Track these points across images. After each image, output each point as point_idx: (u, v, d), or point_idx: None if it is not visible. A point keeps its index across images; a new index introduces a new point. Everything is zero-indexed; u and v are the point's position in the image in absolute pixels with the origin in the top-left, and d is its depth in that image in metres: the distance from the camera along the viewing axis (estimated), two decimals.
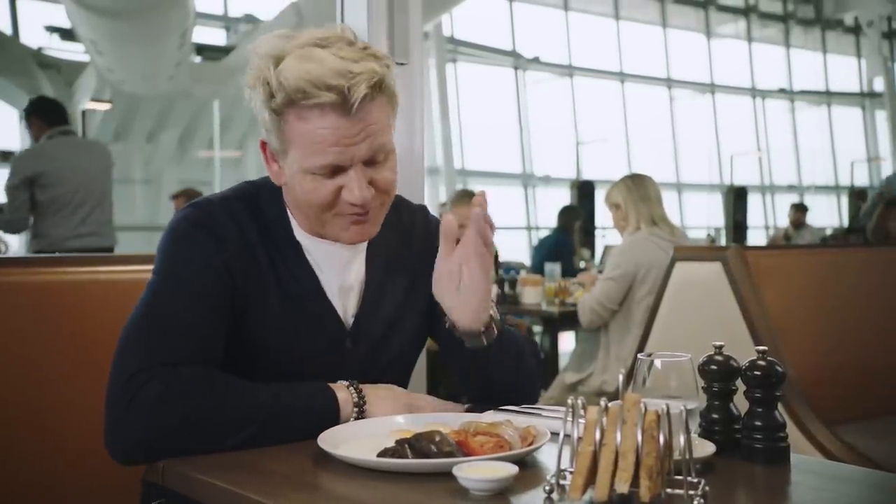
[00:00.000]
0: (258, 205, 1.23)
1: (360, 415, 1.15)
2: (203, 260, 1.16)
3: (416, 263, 1.32)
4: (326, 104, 1.10)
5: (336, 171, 1.14)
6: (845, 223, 12.60)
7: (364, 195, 1.14)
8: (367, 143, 1.13)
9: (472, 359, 1.24)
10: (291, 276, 1.21)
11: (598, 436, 0.84)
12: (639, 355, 1.06)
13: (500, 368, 1.25)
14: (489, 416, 1.13)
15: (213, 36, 11.61)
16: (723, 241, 9.94)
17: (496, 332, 1.23)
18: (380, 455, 0.97)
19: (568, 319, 3.95)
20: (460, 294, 1.18)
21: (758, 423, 1.02)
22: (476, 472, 0.88)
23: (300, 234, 1.23)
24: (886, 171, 17.25)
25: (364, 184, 1.15)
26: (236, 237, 1.19)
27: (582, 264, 5.99)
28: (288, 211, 1.24)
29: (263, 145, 1.20)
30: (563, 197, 10.21)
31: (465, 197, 4.40)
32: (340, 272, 1.25)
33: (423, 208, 1.42)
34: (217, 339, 1.16)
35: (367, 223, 1.19)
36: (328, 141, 1.12)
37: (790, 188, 16.01)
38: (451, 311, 1.21)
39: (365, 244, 1.28)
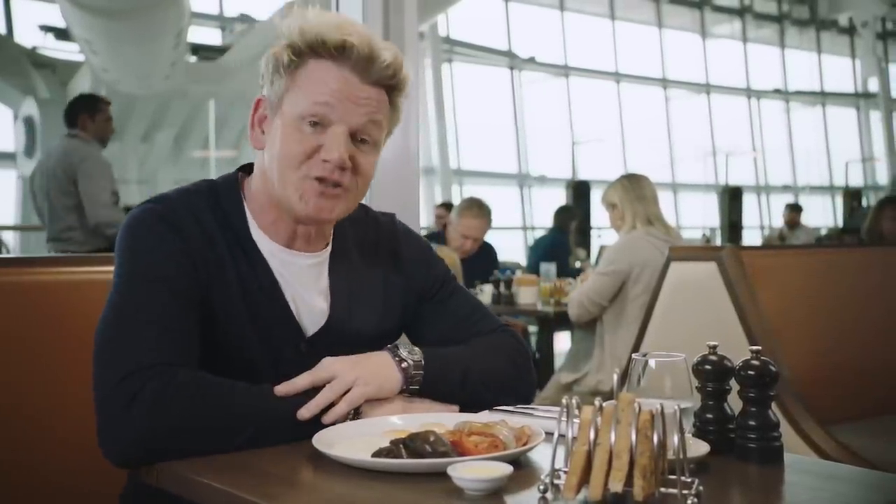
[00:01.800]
0: (217, 201, 1.22)
1: (356, 416, 1.15)
2: (165, 251, 1.15)
3: (382, 274, 1.31)
4: (352, 59, 1.15)
5: (325, 124, 1.16)
6: (840, 223, 12.64)
7: (342, 155, 1.15)
8: (364, 110, 1.17)
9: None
10: (249, 271, 1.21)
11: (592, 435, 0.85)
12: (633, 355, 1.06)
13: (451, 393, 1.22)
14: (484, 416, 1.13)
15: (208, 35, 11.60)
16: (718, 241, 9.96)
17: (420, 370, 1.19)
18: (375, 455, 0.97)
19: (564, 319, 3.96)
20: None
21: (752, 423, 1.02)
22: (471, 472, 0.88)
23: (257, 234, 1.23)
24: (881, 171, 17.33)
25: (344, 147, 1.16)
26: (195, 229, 1.18)
27: (578, 264, 5.98)
28: (246, 210, 1.23)
29: (258, 104, 1.22)
30: (559, 197, 10.22)
31: (474, 206, 4.28)
32: (298, 277, 1.24)
33: (391, 217, 1.39)
34: (194, 333, 1.15)
35: (333, 199, 1.18)
36: (334, 87, 1.16)
37: (785, 188, 16.05)
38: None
39: (327, 257, 1.27)
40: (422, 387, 1.19)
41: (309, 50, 1.16)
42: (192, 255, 1.17)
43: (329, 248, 1.28)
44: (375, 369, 1.16)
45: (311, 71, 1.17)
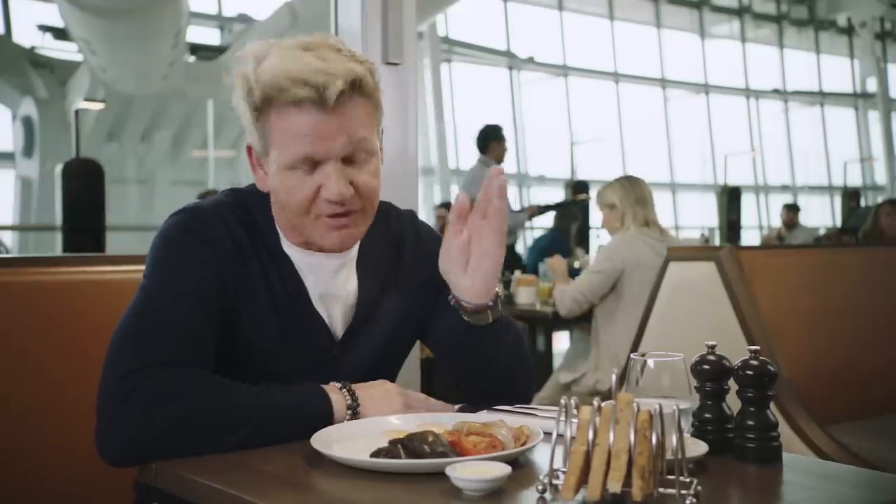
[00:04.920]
0: (248, 211, 1.24)
1: (354, 416, 1.15)
2: (194, 263, 1.17)
3: (407, 271, 1.32)
4: (304, 100, 1.12)
5: (314, 165, 1.15)
6: (838, 223, 12.64)
7: (342, 191, 1.15)
8: (344, 137, 1.15)
9: (474, 342, 1.23)
10: (280, 283, 1.22)
11: (591, 435, 0.85)
12: (632, 355, 1.06)
13: (501, 347, 1.24)
14: (482, 416, 1.13)
15: (207, 35, 11.59)
16: (717, 241, 9.95)
17: (499, 307, 1.22)
18: (373, 455, 0.97)
19: (562, 319, 3.95)
20: (470, 270, 1.17)
21: (750, 423, 1.02)
22: (469, 472, 0.88)
23: (287, 245, 1.24)
24: (878, 171, 17.34)
25: (342, 180, 1.15)
26: (227, 241, 1.19)
27: (577, 264, 5.97)
28: (276, 220, 1.24)
29: (249, 150, 1.23)
30: (558, 197, 10.21)
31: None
32: (328, 281, 1.25)
33: (412, 214, 1.40)
34: (208, 342, 1.15)
35: (349, 228, 1.19)
36: (304, 132, 1.14)
37: (784, 188, 16.05)
38: (461, 289, 1.19)
39: (355, 255, 1.28)
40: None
41: (265, 104, 1.15)
42: (220, 268, 1.17)
43: (357, 246, 1.29)
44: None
45: (276, 122, 1.15)
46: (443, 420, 1.09)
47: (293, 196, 1.16)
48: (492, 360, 1.25)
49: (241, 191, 1.27)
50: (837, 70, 17.42)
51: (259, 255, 1.21)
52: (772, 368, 1.03)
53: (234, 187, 1.29)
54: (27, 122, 9.88)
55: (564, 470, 0.86)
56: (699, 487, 0.85)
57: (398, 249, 1.33)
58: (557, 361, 4.22)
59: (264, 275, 1.21)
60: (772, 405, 1.05)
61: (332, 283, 1.25)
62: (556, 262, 3.76)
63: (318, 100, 1.12)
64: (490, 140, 5.22)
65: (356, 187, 1.17)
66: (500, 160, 5.19)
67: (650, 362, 1.04)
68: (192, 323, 1.14)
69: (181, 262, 1.17)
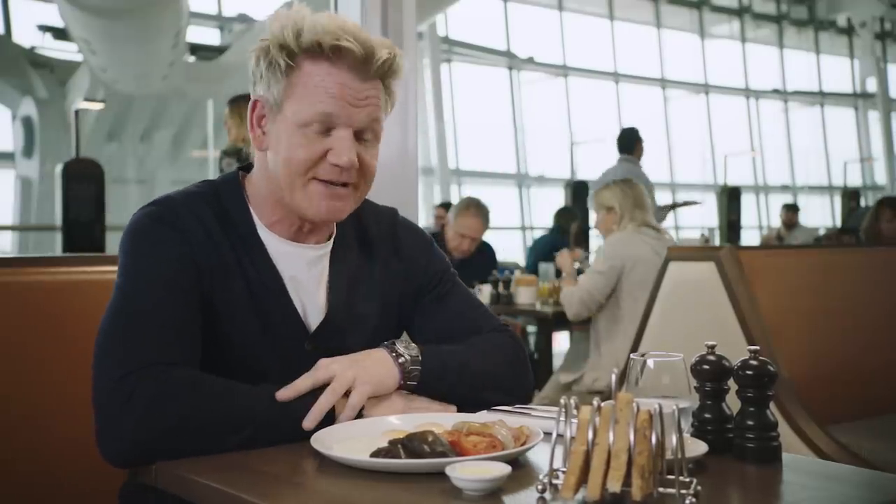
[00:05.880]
0: (220, 202, 1.23)
1: (356, 416, 1.15)
2: (168, 252, 1.16)
3: (383, 272, 1.31)
4: (350, 53, 1.14)
5: (328, 129, 1.16)
6: (838, 223, 12.64)
7: (351, 157, 1.16)
8: (366, 111, 1.17)
9: (438, 385, 1.21)
10: (255, 273, 1.21)
11: (590, 435, 0.85)
12: (632, 355, 1.06)
13: (449, 386, 1.22)
14: (482, 416, 1.13)
15: (207, 35, 11.60)
16: (717, 241, 9.95)
17: (417, 365, 1.18)
18: (373, 455, 0.97)
19: (562, 319, 3.95)
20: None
21: (750, 423, 1.02)
22: (469, 472, 0.88)
23: (263, 232, 1.23)
24: (878, 171, 17.34)
25: (353, 149, 1.17)
26: (199, 231, 1.18)
27: (577, 265, 5.98)
28: (250, 208, 1.23)
29: (255, 105, 1.21)
30: (558, 197, 10.22)
31: (471, 206, 4.28)
32: (302, 272, 1.24)
33: (392, 212, 1.39)
34: (195, 329, 1.15)
35: (343, 200, 1.19)
36: (334, 92, 1.15)
37: (784, 188, 16.05)
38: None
39: (329, 250, 1.27)
40: (419, 382, 1.19)
41: (304, 52, 1.16)
42: (194, 258, 1.17)
43: (331, 242, 1.28)
44: (372, 367, 1.16)
45: (309, 75, 1.16)
46: (443, 420, 1.09)
47: (296, 154, 1.16)
48: (466, 387, 1.23)
49: (213, 182, 1.26)
50: (837, 70, 17.41)
51: (233, 244, 1.20)
52: (772, 368, 1.03)
53: (206, 179, 1.28)
54: (27, 122, 9.88)
55: (564, 470, 0.86)
56: (699, 487, 0.85)
57: (371, 249, 1.32)
58: (557, 361, 4.21)
59: (238, 263, 1.20)
60: (772, 405, 1.05)
61: (306, 275, 1.24)
62: (564, 258, 3.76)
63: (362, 60, 1.15)
64: (636, 139, 5.60)
65: (360, 163, 1.18)
66: (640, 158, 5.67)
67: (650, 362, 1.04)
68: (177, 312, 1.13)
69: (155, 252, 1.16)
